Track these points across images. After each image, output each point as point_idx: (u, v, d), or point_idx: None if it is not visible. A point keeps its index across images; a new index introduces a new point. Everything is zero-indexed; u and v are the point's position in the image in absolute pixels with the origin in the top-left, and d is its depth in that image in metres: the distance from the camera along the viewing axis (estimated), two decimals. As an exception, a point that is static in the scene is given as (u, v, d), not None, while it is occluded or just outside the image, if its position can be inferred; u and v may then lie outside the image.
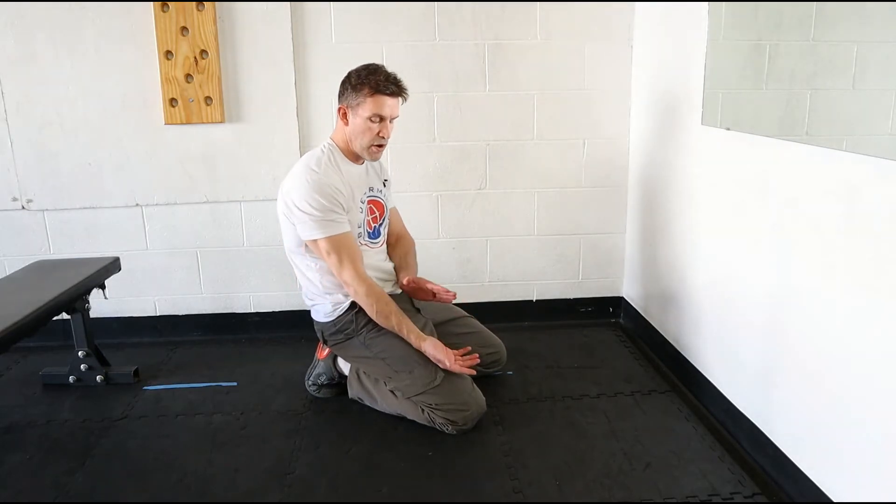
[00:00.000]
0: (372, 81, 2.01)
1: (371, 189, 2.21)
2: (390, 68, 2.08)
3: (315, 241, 2.03)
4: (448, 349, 2.07)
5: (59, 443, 2.07)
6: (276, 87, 2.64)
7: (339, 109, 2.09)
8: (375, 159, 2.15)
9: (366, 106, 2.02)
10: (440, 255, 2.87)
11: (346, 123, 2.08)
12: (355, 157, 2.15)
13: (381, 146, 2.09)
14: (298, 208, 2.01)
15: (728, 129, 2.02)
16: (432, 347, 2.07)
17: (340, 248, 2.03)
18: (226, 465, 1.93)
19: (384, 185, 2.28)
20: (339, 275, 2.06)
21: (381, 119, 2.04)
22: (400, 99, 2.07)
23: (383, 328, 2.10)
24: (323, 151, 2.10)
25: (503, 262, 2.93)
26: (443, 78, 2.70)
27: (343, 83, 2.08)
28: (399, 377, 2.09)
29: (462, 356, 2.10)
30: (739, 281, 1.98)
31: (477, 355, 2.12)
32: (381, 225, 2.26)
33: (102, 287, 2.43)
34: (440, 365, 2.06)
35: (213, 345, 2.79)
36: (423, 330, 2.14)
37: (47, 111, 2.59)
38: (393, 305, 2.10)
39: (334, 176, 2.06)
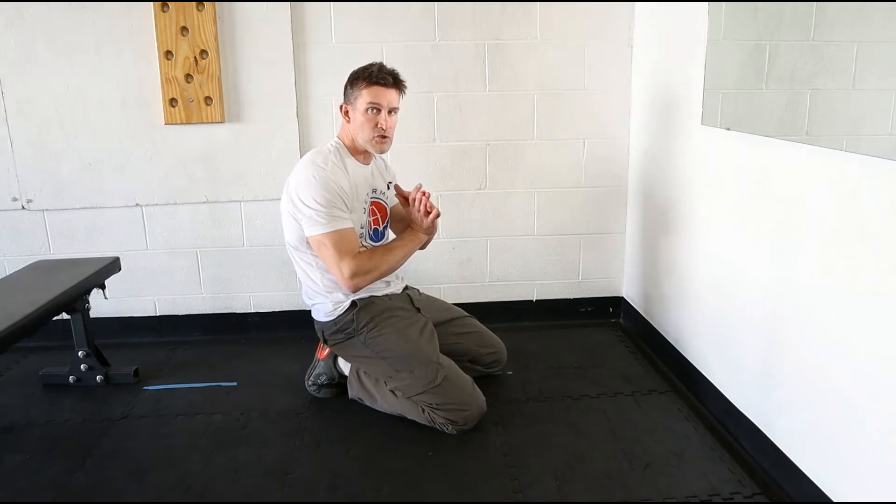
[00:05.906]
0: (366, 73, 2.06)
1: (374, 190, 2.21)
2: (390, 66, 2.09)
3: (316, 235, 2.03)
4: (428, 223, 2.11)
5: (59, 443, 2.07)
6: (276, 87, 2.64)
7: (342, 108, 2.12)
8: (382, 151, 2.14)
9: (362, 98, 2.05)
10: (440, 255, 2.87)
11: (349, 121, 2.10)
12: (362, 156, 2.16)
13: (384, 137, 2.09)
14: (304, 203, 2.01)
15: (728, 129, 2.02)
16: (424, 232, 2.14)
17: (340, 242, 2.01)
18: (226, 465, 1.93)
19: (388, 188, 2.27)
20: (338, 265, 2.01)
21: (378, 109, 2.05)
22: (396, 91, 2.08)
23: (384, 328, 2.10)
24: (330, 150, 2.11)
25: (503, 261, 2.93)
26: (443, 78, 2.71)
27: (345, 84, 2.12)
28: (400, 377, 2.09)
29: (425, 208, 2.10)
30: (739, 281, 1.98)
31: (425, 196, 2.10)
32: (383, 227, 2.26)
33: (102, 287, 2.43)
34: (426, 222, 2.09)
35: (213, 345, 2.79)
36: (423, 330, 2.15)
37: (47, 111, 2.59)
38: (375, 252, 2.11)
39: (340, 174, 2.06)
